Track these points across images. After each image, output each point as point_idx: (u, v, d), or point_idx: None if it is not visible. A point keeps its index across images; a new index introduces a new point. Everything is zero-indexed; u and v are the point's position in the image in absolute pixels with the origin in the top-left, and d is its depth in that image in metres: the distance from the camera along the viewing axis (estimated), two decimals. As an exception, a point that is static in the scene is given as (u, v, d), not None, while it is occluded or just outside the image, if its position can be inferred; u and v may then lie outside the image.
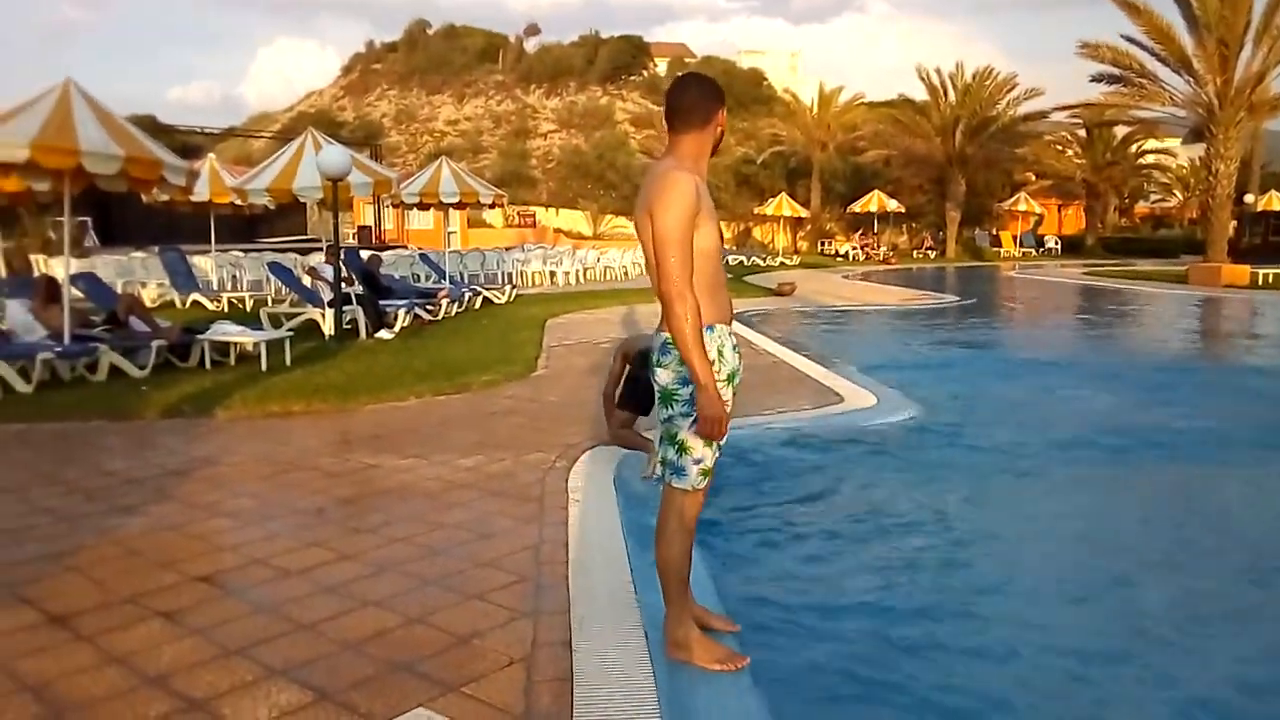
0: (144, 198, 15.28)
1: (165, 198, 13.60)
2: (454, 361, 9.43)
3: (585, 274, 24.14)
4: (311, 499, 4.91)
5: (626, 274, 25.26)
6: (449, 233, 22.14)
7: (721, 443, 3.02)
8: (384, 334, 11.60)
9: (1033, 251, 43.41)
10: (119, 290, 13.51)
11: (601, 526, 4.39)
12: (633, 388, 5.47)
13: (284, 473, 5.43)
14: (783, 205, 37.49)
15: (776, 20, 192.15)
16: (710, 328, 2.91)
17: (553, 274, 23.18)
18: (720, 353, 2.94)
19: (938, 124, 40.23)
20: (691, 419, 2.96)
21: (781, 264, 33.13)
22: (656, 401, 3.08)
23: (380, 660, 3.03)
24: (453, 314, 14.28)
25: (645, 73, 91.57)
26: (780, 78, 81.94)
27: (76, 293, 9.85)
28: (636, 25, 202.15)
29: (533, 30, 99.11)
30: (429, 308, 13.55)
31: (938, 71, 40.53)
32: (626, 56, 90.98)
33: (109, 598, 3.54)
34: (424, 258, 20.52)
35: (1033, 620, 3.76)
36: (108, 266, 17.56)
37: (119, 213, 27.15)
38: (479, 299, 16.09)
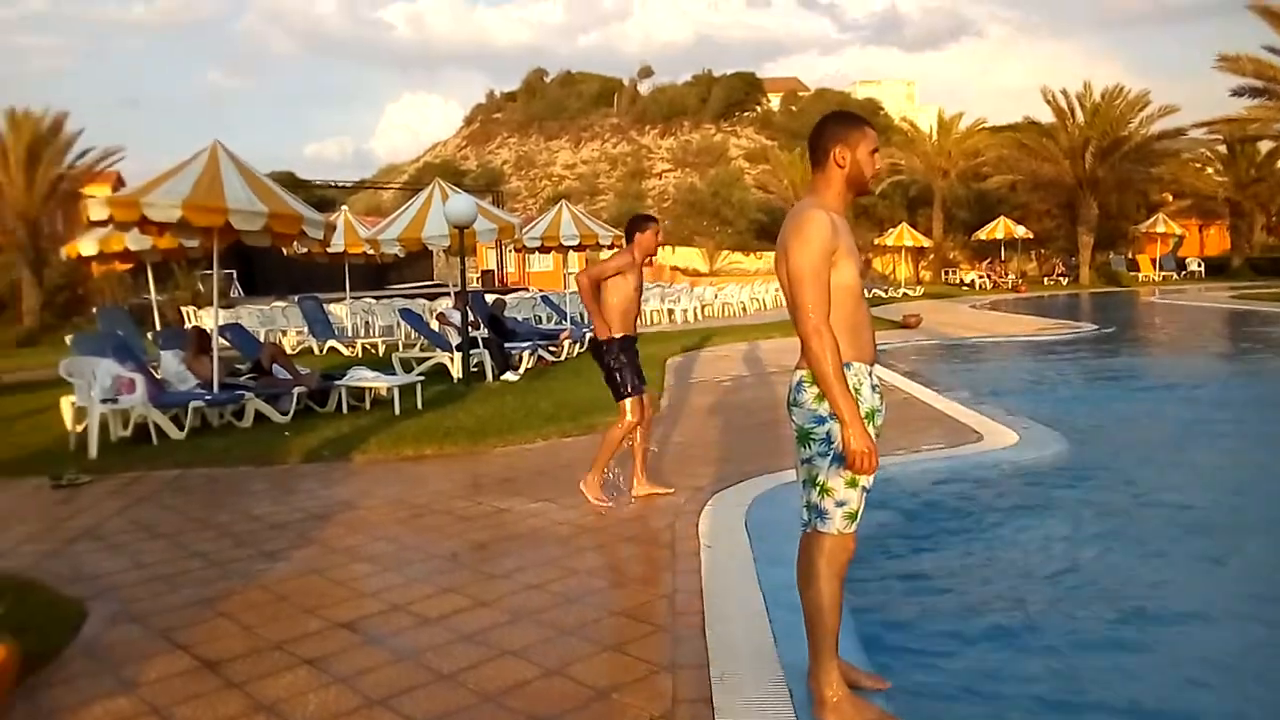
0: (284, 250, 16.16)
1: (305, 250, 14.30)
2: (578, 402, 9.47)
3: (703, 310, 24.11)
4: (446, 543, 4.96)
5: (744, 310, 25.14)
6: (568, 274, 22.49)
7: (868, 485, 2.89)
8: (509, 376, 11.78)
9: (1173, 275, 41.10)
10: (262, 339, 14.21)
11: (736, 573, 4.26)
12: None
13: (418, 516, 5.52)
14: (903, 235, 36.74)
15: (890, 50, 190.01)
16: (847, 365, 2.82)
17: (670, 311, 23.24)
18: (857, 390, 2.83)
19: (1066, 146, 38.71)
20: (829, 459, 2.85)
21: (904, 295, 32.38)
22: (795, 442, 2.98)
23: (520, 713, 2.99)
24: (574, 354, 14.43)
25: (759, 108, 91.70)
26: (897, 106, 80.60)
27: (224, 342, 10.38)
28: (749, 62, 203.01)
29: (646, 72, 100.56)
30: (552, 349, 13.75)
31: (1064, 93, 39.03)
32: (739, 93, 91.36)
33: (258, 643, 3.62)
34: (545, 299, 20.93)
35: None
36: (251, 316, 18.57)
37: (260, 264, 28.75)
38: (600, 339, 16.21)
